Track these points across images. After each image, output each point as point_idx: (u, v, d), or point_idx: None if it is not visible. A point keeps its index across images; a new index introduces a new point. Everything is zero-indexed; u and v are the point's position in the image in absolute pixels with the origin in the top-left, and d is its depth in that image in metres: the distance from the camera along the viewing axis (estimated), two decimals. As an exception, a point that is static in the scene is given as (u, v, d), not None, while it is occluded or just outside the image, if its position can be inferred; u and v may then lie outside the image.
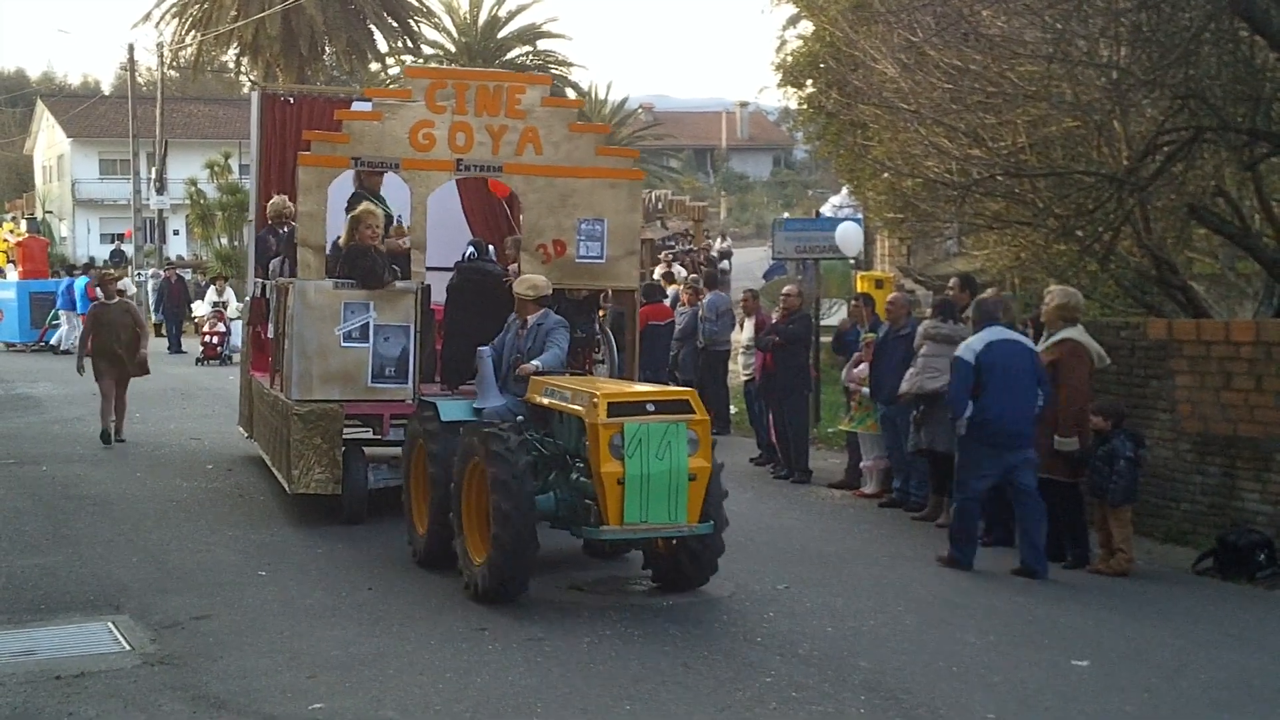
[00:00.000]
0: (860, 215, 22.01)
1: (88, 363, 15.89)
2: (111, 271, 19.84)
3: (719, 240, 40.71)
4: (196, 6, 43.74)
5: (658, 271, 25.53)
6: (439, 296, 11.85)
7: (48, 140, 68.67)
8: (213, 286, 29.85)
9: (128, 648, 7.87)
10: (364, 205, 11.33)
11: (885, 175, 16.73)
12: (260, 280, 13.77)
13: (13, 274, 32.75)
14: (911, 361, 11.81)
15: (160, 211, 44.52)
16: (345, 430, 11.24)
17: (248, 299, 15.26)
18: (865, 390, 12.90)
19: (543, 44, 51.13)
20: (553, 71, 46.32)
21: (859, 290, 17.72)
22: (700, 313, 16.81)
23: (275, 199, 13.43)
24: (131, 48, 41.44)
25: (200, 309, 30.06)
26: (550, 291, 10.29)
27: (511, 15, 50.59)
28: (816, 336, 16.02)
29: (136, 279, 37.10)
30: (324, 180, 11.12)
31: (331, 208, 11.23)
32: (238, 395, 15.63)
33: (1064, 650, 8.03)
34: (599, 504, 8.44)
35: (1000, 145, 12.87)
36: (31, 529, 11.17)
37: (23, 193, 69.88)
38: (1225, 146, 11.97)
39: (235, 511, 11.99)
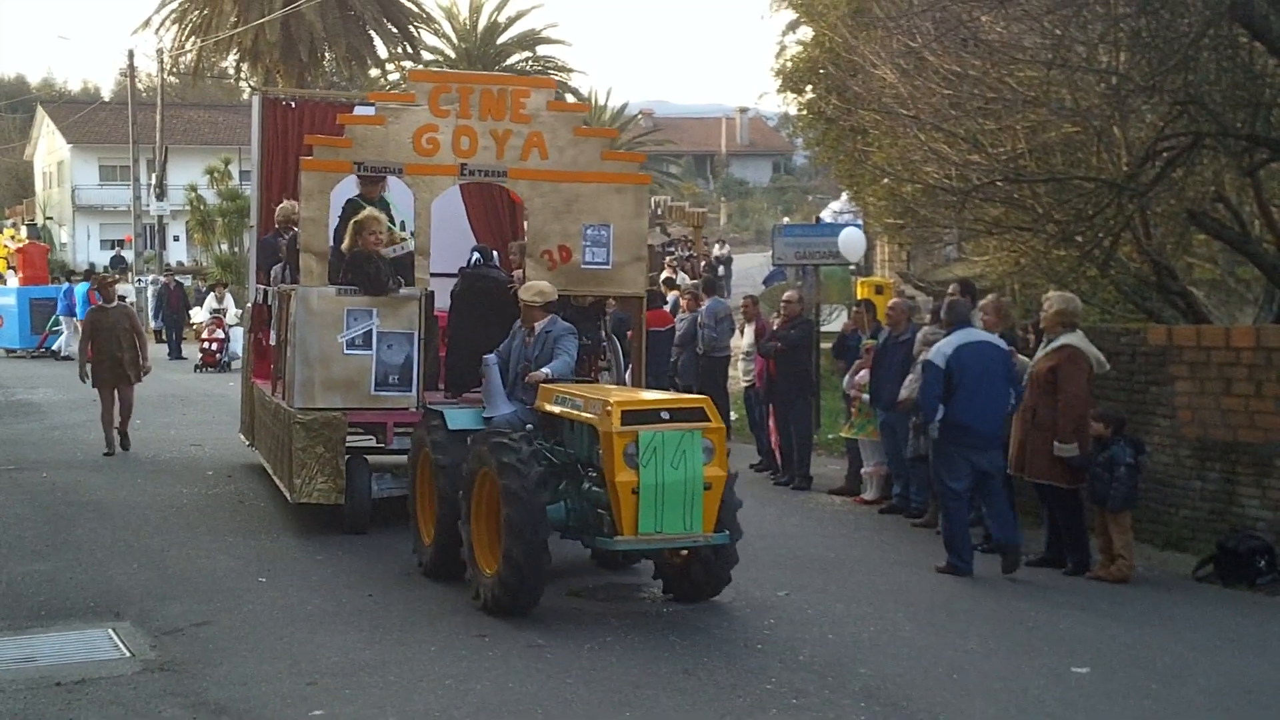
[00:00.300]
0: (860, 221, 22.03)
1: (89, 370, 15.73)
2: (110, 276, 19.74)
3: (717, 246, 40.73)
4: (196, 12, 43.84)
5: (661, 277, 25.54)
6: (442, 303, 11.78)
7: (48, 146, 68.73)
8: (211, 294, 29.84)
9: (128, 654, 7.86)
10: (367, 211, 11.22)
11: (885, 181, 16.73)
12: (262, 287, 13.68)
13: (13, 280, 32.76)
14: (911, 368, 11.81)
15: (160, 217, 44.56)
16: (348, 439, 11.13)
17: (248, 305, 15.19)
18: (865, 397, 12.91)
19: (542, 50, 51.22)
20: (552, 77, 46.35)
21: (859, 296, 17.73)
22: (700, 319, 16.81)
23: (285, 204, 13.27)
24: (131, 54, 41.48)
25: (199, 315, 30.05)
26: (556, 297, 10.15)
27: (511, 21, 50.70)
28: (816, 342, 16.03)
29: (137, 285, 37.11)
30: (326, 185, 11.04)
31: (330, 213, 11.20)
32: (238, 402, 15.61)
33: (1064, 657, 8.02)
34: (613, 514, 8.29)
35: (1000, 151, 12.88)
36: (32, 535, 11.17)
37: (23, 199, 69.87)
38: (1225, 152, 11.97)
39: (235, 518, 11.99)
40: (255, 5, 42.07)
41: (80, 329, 17.19)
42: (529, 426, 9.21)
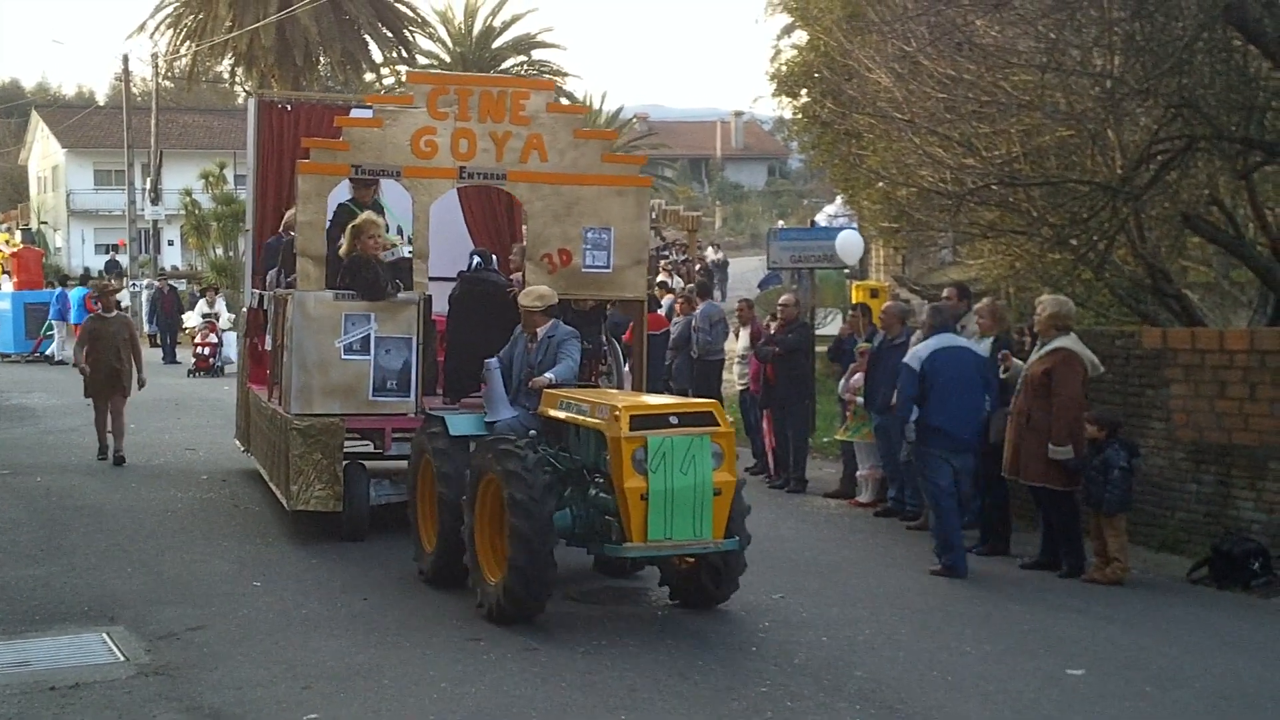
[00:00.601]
0: (855, 224, 22.04)
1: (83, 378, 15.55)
2: (111, 284, 19.63)
3: (711, 250, 40.69)
4: (191, 17, 43.85)
5: (655, 280, 25.53)
6: (440, 307, 11.70)
7: (42, 151, 68.70)
8: (202, 298, 29.75)
9: (122, 659, 7.85)
10: (365, 215, 11.15)
11: (880, 184, 16.73)
12: (258, 291, 13.58)
13: (7, 285, 32.75)
14: (905, 371, 11.81)
15: (155, 222, 44.52)
16: (346, 445, 11.02)
17: (244, 310, 15.12)
18: (860, 400, 12.91)
19: (537, 54, 51.27)
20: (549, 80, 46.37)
21: (854, 300, 17.74)
22: (694, 322, 16.80)
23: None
24: (126, 58, 42.04)
25: (191, 320, 30.01)
26: (556, 301, 10.02)
27: (506, 25, 50.71)
28: (812, 346, 16.02)
29: (131, 289, 37.09)
30: (324, 188, 10.95)
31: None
32: (232, 406, 15.58)
33: (1059, 659, 8.03)
34: (621, 520, 8.20)
35: (994, 154, 12.88)
36: (26, 540, 11.15)
37: (17, 203, 69.83)
38: (1219, 155, 11.98)
39: (230, 523, 11.97)
40: (250, 9, 42.09)
41: (76, 336, 17.07)
42: (532, 432, 9.07)
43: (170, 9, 44.65)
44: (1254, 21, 10.94)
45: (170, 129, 52.52)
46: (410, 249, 11.62)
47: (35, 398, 22.05)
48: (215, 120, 63.29)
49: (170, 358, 29.85)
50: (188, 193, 40.92)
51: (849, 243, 17.04)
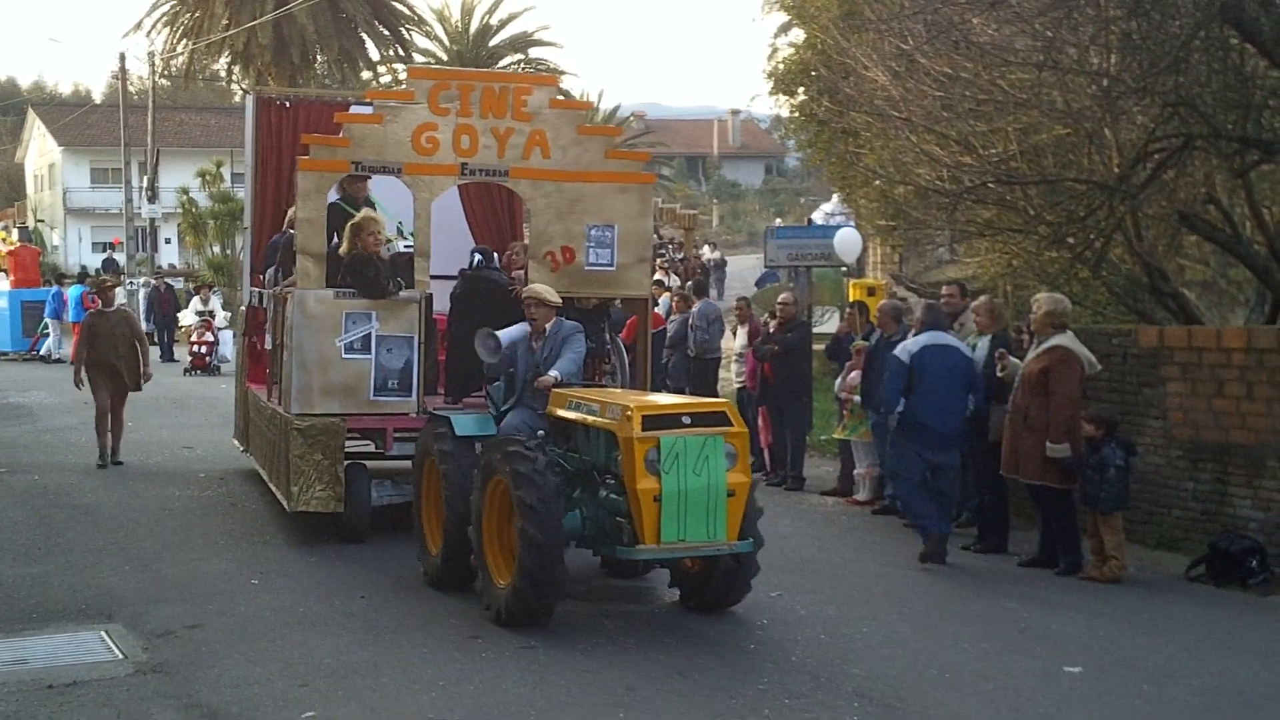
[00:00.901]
0: (852, 223, 22.05)
1: (85, 375, 15.45)
2: (109, 279, 19.53)
3: (707, 249, 40.68)
4: (188, 15, 43.81)
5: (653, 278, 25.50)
6: (441, 305, 11.61)
7: (39, 149, 68.65)
8: (196, 296, 29.67)
9: (120, 656, 7.85)
10: (365, 212, 11.09)
11: (877, 183, 16.75)
12: (257, 290, 13.47)
13: (4, 283, 32.70)
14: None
15: (152, 220, 44.43)
16: (347, 445, 10.91)
17: (243, 308, 15.06)
18: (857, 399, 12.92)
19: (534, 52, 51.12)
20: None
21: (852, 298, 17.75)
22: (691, 320, 16.81)
23: None
24: (123, 56, 41.98)
25: (186, 318, 29.97)
26: (558, 300, 9.84)
27: (503, 23, 50.59)
28: (809, 344, 16.02)
29: (128, 287, 37.04)
30: (323, 185, 10.85)
31: None
32: (229, 404, 15.54)
33: (1056, 657, 8.04)
34: (634, 522, 8.05)
35: (991, 153, 12.90)
36: (24, 538, 11.15)
37: (14, 201, 69.77)
38: (1216, 154, 12.00)
39: (228, 521, 11.96)
40: (247, 8, 42.06)
41: (75, 333, 16.97)
42: (540, 433, 8.95)
43: (167, 7, 44.60)
44: (1251, 20, 10.95)
45: (167, 127, 52.50)
46: (404, 244, 11.57)
47: (32, 396, 22.02)
48: (212, 118, 63.25)
49: (167, 356, 29.82)
50: (184, 191, 40.92)
51: (847, 241, 17.04)
